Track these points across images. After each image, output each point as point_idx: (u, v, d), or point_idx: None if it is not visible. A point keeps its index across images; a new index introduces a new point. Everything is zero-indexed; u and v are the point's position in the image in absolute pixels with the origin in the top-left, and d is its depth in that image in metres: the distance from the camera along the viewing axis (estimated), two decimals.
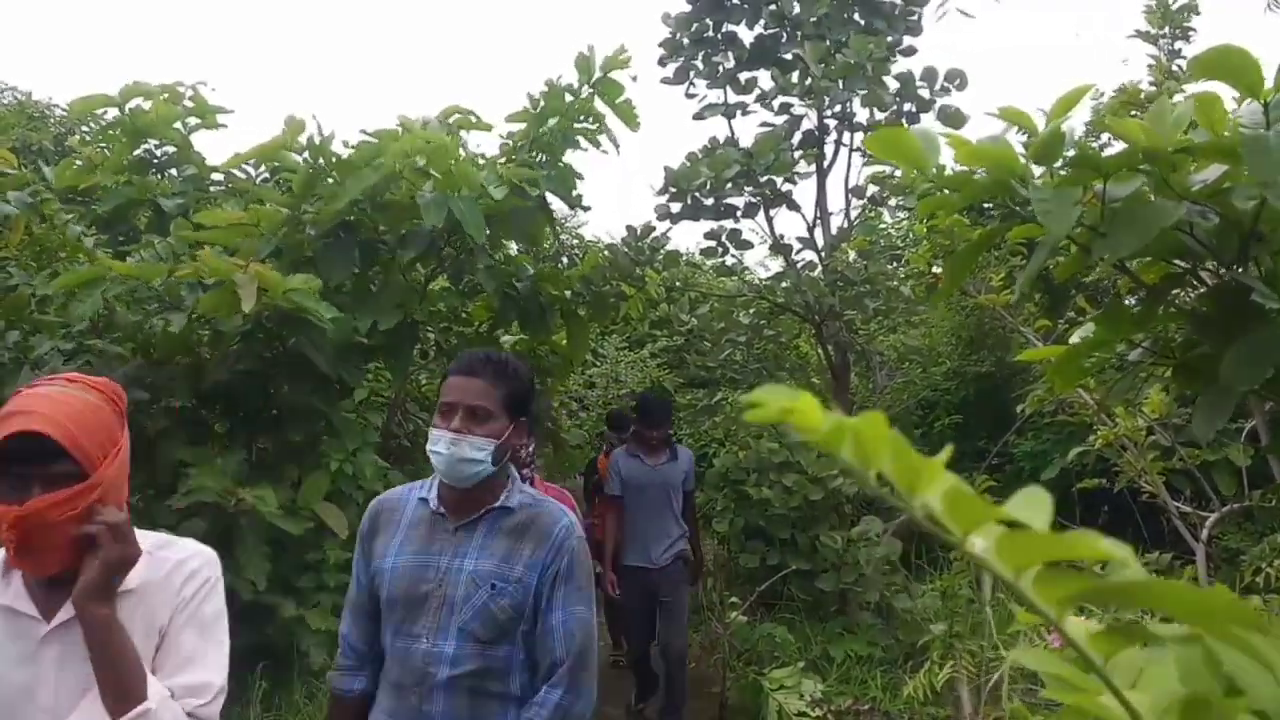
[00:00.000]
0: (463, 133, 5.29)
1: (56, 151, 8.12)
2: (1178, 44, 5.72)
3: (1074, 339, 1.78)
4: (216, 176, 5.43)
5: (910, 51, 6.50)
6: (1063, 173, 1.49)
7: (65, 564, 1.40)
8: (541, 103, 4.93)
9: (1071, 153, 1.49)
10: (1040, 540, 0.44)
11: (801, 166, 6.27)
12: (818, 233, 6.59)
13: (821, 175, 6.58)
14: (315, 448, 4.62)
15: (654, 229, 5.87)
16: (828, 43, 6.11)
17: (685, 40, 6.56)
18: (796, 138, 6.41)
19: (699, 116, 6.63)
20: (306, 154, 4.58)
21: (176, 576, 1.54)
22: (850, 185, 6.63)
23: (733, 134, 6.61)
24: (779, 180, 6.02)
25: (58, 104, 10.65)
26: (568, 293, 5.38)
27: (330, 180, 4.56)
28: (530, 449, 3.39)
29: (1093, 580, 0.45)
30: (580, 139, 4.97)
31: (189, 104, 5.08)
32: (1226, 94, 1.44)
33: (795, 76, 6.27)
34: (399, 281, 4.93)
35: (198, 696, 1.47)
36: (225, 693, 1.53)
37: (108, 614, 1.39)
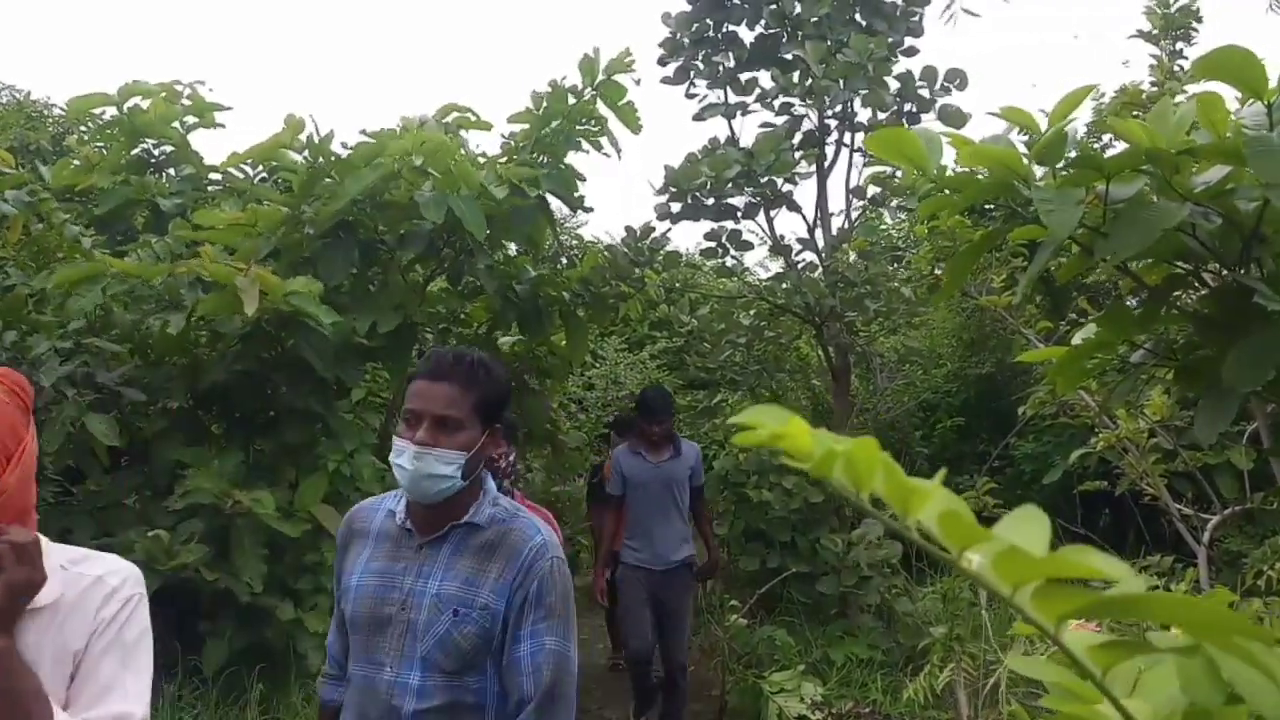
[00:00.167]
0: (463, 132, 5.29)
1: (54, 151, 8.12)
2: (1179, 45, 5.71)
3: (1076, 340, 1.77)
4: (214, 176, 5.42)
5: (912, 52, 6.49)
6: (1065, 174, 1.48)
7: None
8: (545, 103, 4.92)
9: (1073, 153, 1.48)
10: (1035, 559, 0.42)
11: (802, 167, 6.26)
12: (818, 233, 6.57)
13: (822, 176, 6.57)
14: (313, 449, 4.62)
15: (654, 229, 5.86)
16: (829, 43, 6.09)
17: (685, 40, 6.55)
18: (797, 138, 6.40)
19: (699, 117, 6.62)
20: (306, 153, 4.57)
21: (95, 595, 1.37)
22: (851, 186, 6.62)
23: (733, 134, 6.60)
24: (779, 181, 6.01)
25: (56, 103, 10.65)
26: (567, 294, 5.37)
27: (329, 180, 4.55)
28: (511, 458, 3.22)
29: (1091, 595, 0.44)
30: (582, 141, 4.95)
31: (187, 103, 5.07)
32: (1228, 95, 1.43)
33: (796, 77, 6.26)
34: (398, 282, 4.93)
35: None
36: None
37: (6, 645, 1.23)
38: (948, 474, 0.51)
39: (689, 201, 5.99)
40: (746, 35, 6.62)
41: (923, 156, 1.44)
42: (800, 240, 6.57)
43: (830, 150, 6.56)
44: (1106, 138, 6.09)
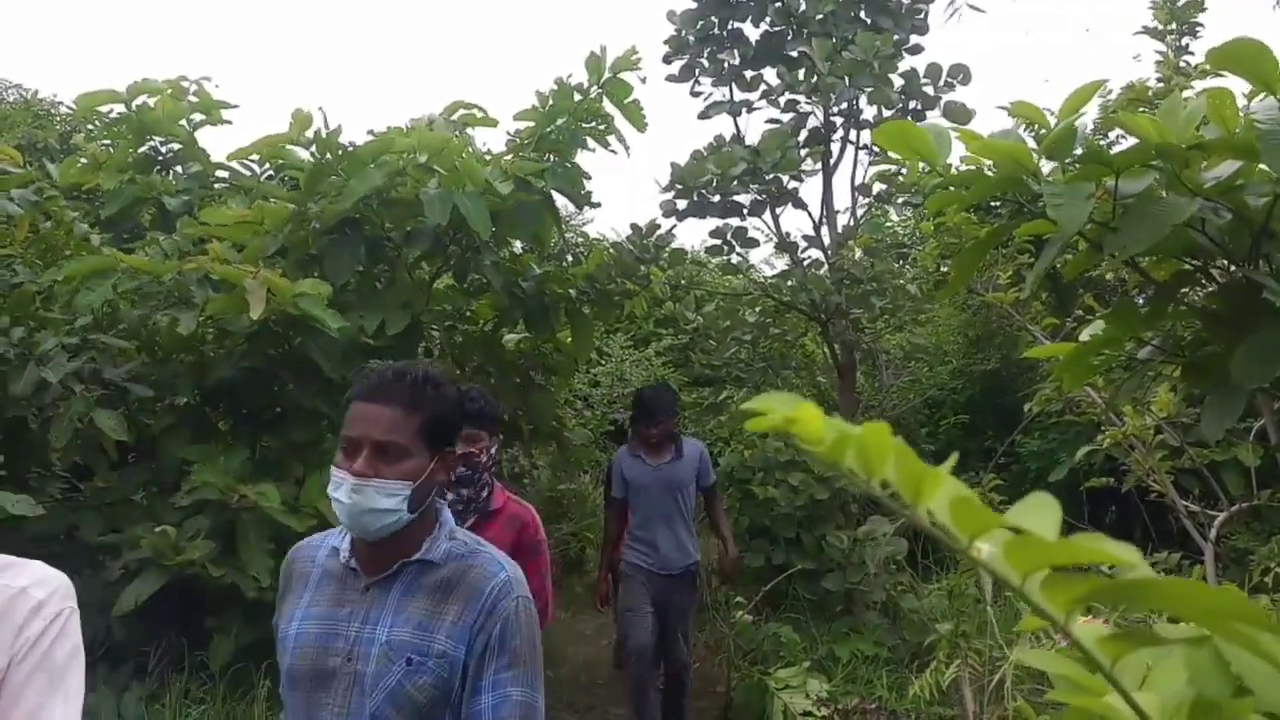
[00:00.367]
0: (470, 130, 5.29)
1: (62, 149, 8.14)
2: (1185, 40, 5.70)
3: (1083, 337, 1.77)
4: (221, 174, 5.43)
5: (917, 49, 6.48)
6: (1074, 169, 1.48)
7: None
8: (550, 101, 4.92)
9: (1081, 149, 1.48)
10: (1047, 545, 0.42)
11: (807, 164, 6.25)
12: (824, 230, 6.57)
13: (828, 173, 6.56)
14: (319, 446, 4.63)
15: (659, 227, 5.86)
16: (834, 40, 6.09)
17: (691, 38, 6.54)
18: (802, 135, 6.39)
19: (705, 114, 6.61)
20: (314, 148, 4.57)
21: (19, 609, 1.23)
22: (856, 183, 6.61)
23: (739, 131, 6.59)
24: (785, 178, 6.01)
25: (63, 101, 10.67)
26: (572, 291, 5.37)
27: (336, 178, 4.55)
28: (492, 451, 3.06)
29: (1101, 581, 0.44)
30: (588, 139, 4.95)
31: (193, 100, 5.08)
32: (1236, 90, 1.43)
33: (801, 74, 6.25)
34: (405, 280, 4.93)
35: None
36: None
37: None
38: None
39: (695, 199, 5.99)
40: (752, 33, 6.62)
41: (931, 150, 1.44)
42: (806, 237, 6.56)
43: (836, 147, 6.56)
44: (1113, 134, 6.08)
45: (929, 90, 6.15)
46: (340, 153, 4.57)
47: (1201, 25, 5.78)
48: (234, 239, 4.47)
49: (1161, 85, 5.18)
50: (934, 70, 6.14)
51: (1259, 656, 0.50)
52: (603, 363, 10.46)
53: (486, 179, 4.43)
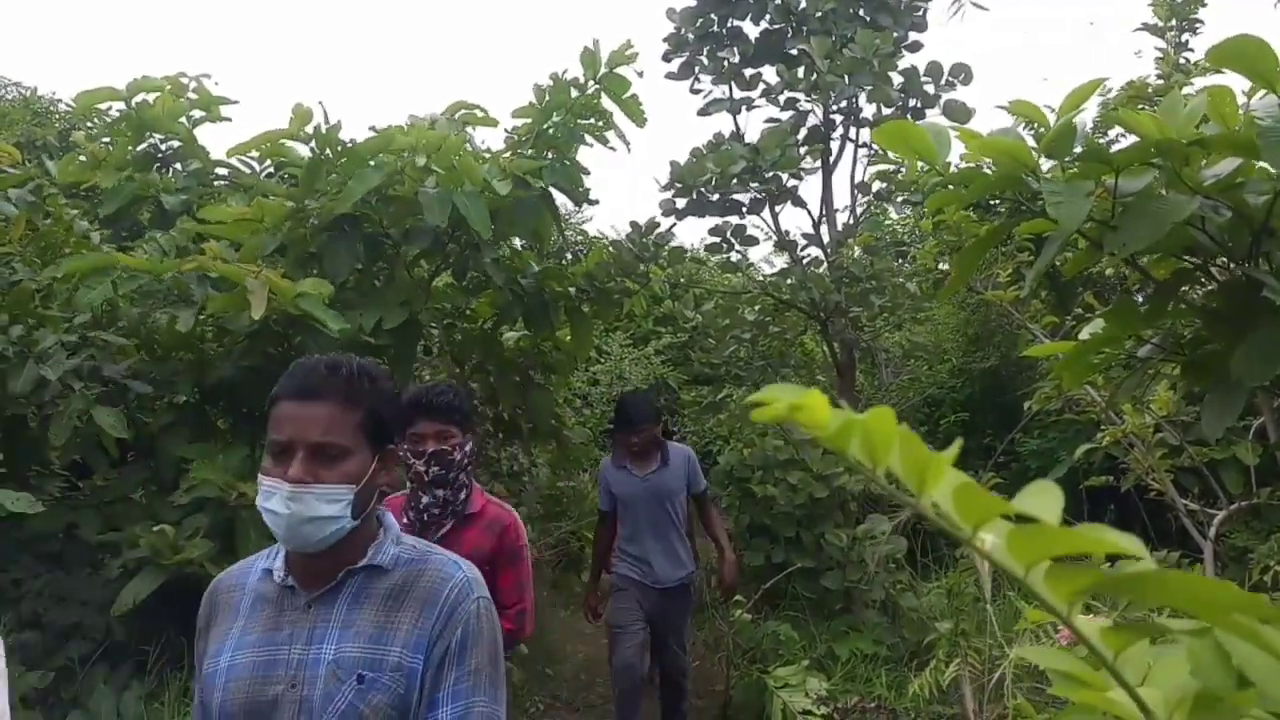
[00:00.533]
0: (470, 129, 5.28)
1: (61, 147, 8.14)
2: (1185, 36, 5.71)
3: (1083, 335, 1.77)
4: (220, 171, 5.42)
5: (916, 47, 6.49)
6: (1073, 167, 1.48)
7: None
8: (547, 97, 4.91)
9: (1081, 147, 1.48)
10: (1051, 534, 0.43)
11: (807, 162, 6.25)
12: (823, 229, 6.57)
13: (827, 171, 6.56)
14: None
15: (659, 225, 5.86)
16: (834, 38, 6.09)
17: (690, 35, 6.54)
18: (802, 133, 6.39)
19: (704, 112, 6.61)
20: (313, 143, 4.57)
21: None
22: (856, 181, 6.61)
23: (738, 130, 6.59)
24: (784, 176, 6.01)
25: (62, 99, 10.66)
26: (572, 289, 5.37)
27: (335, 175, 4.55)
28: (468, 449, 2.84)
29: (1103, 573, 0.44)
30: (586, 135, 4.94)
31: (193, 96, 5.07)
32: (1236, 87, 1.43)
33: (801, 72, 6.25)
34: (404, 278, 4.93)
35: None
36: None
37: None
38: None
39: (694, 197, 5.99)
40: (751, 30, 6.62)
41: (931, 149, 1.44)
42: (805, 235, 6.57)
43: (835, 145, 6.56)
44: (1113, 133, 6.08)
45: (929, 89, 6.16)
46: (339, 149, 4.56)
47: (1201, 22, 5.78)
48: (232, 236, 4.46)
49: (1161, 82, 5.18)
50: (934, 69, 6.15)
51: (1260, 649, 0.50)
52: (602, 361, 10.46)
53: (484, 178, 4.43)
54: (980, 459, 7.00)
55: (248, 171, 5.53)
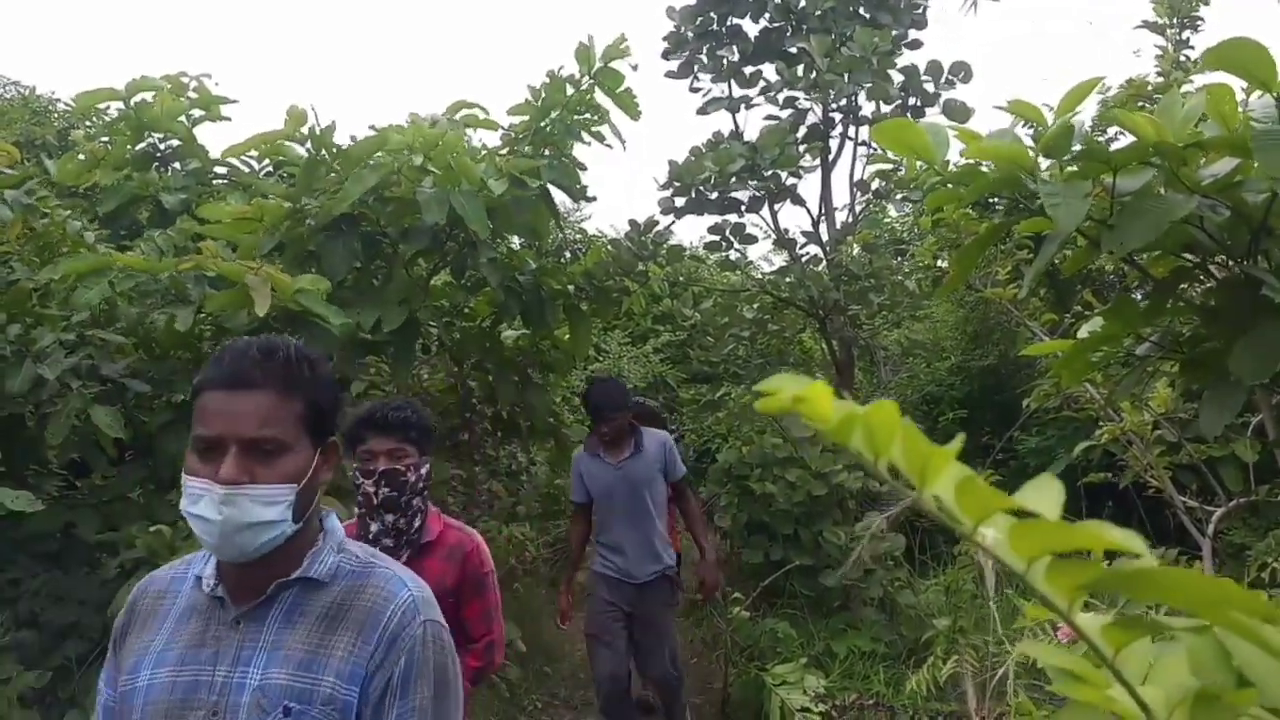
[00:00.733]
0: (467, 129, 5.28)
1: (60, 146, 8.13)
2: (1185, 34, 5.70)
3: (1081, 333, 1.77)
4: (220, 170, 5.42)
5: (916, 45, 6.49)
6: (1071, 167, 1.49)
7: None
8: (543, 94, 4.91)
9: (1079, 146, 1.48)
10: (1052, 529, 0.43)
11: (806, 161, 6.26)
12: (822, 227, 6.58)
13: (826, 169, 6.57)
14: None
15: (657, 223, 5.86)
16: (833, 36, 6.09)
17: (690, 34, 6.55)
18: (801, 132, 6.40)
19: (703, 111, 6.62)
20: (308, 144, 4.57)
21: None
22: (855, 179, 6.62)
23: (737, 128, 6.60)
24: (783, 174, 6.01)
25: (60, 98, 10.66)
26: (571, 287, 5.37)
27: (332, 175, 4.55)
28: (423, 471, 2.58)
29: (1104, 569, 0.44)
30: (582, 132, 4.94)
31: (193, 95, 5.07)
32: (1236, 86, 1.43)
33: (800, 70, 6.26)
34: (402, 276, 4.93)
35: None
36: None
37: None
38: None
39: (693, 195, 6.00)
40: (751, 29, 6.63)
41: (928, 149, 1.44)
42: (804, 234, 6.58)
43: (834, 144, 6.57)
44: (1112, 131, 6.08)
45: (929, 87, 6.16)
46: (335, 150, 4.57)
47: (1201, 19, 5.78)
48: (230, 236, 4.46)
49: (1161, 80, 5.18)
50: (934, 67, 6.15)
51: (1260, 647, 0.50)
52: (601, 359, 10.45)
53: (481, 177, 4.43)
54: (979, 456, 7.01)
55: (247, 170, 5.53)
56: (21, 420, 4.32)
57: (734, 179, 5.87)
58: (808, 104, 6.38)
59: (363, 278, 4.86)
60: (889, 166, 6.07)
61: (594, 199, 5.44)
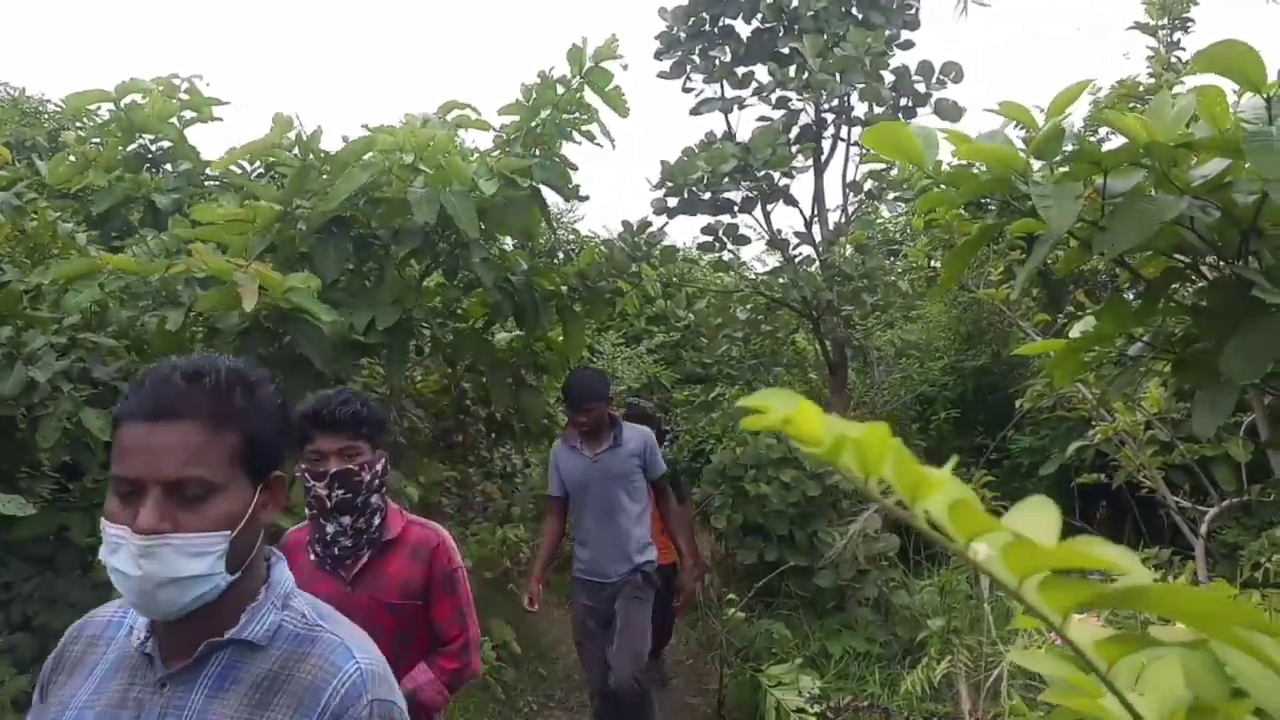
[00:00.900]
0: (459, 129, 5.28)
1: (51, 148, 8.09)
2: (1176, 35, 5.72)
3: (1074, 333, 1.78)
4: (211, 172, 5.41)
5: (908, 45, 6.49)
6: (1063, 168, 1.49)
7: None
8: (534, 94, 4.91)
9: (1070, 148, 1.48)
10: (1045, 548, 0.42)
11: (799, 161, 6.26)
12: (815, 228, 6.57)
13: (819, 170, 6.57)
14: None
15: (650, 224, 5.86)
16: (825, 37, 6.09)
17: (682, 34, 6.54)
18: (794, 132, 6.40)
19: (696, 111, 6.61)
20: (296, 150, 4.57)
21: None
22: (848, 180, 6.62)
23: (730, 129, 6.59)
24: (776, 175, 6.01)
25: (51, 99, 10.61)
26: (564, 288, 5.37)
27: (323, 177, 4.54)
28: (379, 468, 2.44)
29: (1098, 586, 0.44)
30: (573, 132, 4.94)
31: (184, 97, 5.06)
32: (1227, 86, 1.43)
33: (793, 71, 6.25)
34: (395, 277, 4.92)
35: None
36: None
37: None
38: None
39: (685, 196, 5.99)
40: (743, 29, 6.62)
41: (919, 152, 1.44)
42: (797, 234, 6.57)
43: (827, 144, 6.56)
44: (1104, 131, 6.10)
45: (921, 88, 6.16)
46: (323, 155, 4.56)
47: (1192, 20, 5.80)
48: (223, 238, 4.45)
49: (1153, 81, 5.20)
50: (926, 68, 6.15)
51: (1255, 659, 0.50)
52: (594, 361, 10.45)
53: (472, 177, 4.42)
54: (972, 456, 7.02)
55: (239, 172, 5.52)
56: (13, 423, 4.30)
57: (727, 179, 5.87)
58: (800, 104, 6.38)
59: (355, 279, 4.85)
60: (881, 167, 6.08)
61: (586, 198, 5.43)
